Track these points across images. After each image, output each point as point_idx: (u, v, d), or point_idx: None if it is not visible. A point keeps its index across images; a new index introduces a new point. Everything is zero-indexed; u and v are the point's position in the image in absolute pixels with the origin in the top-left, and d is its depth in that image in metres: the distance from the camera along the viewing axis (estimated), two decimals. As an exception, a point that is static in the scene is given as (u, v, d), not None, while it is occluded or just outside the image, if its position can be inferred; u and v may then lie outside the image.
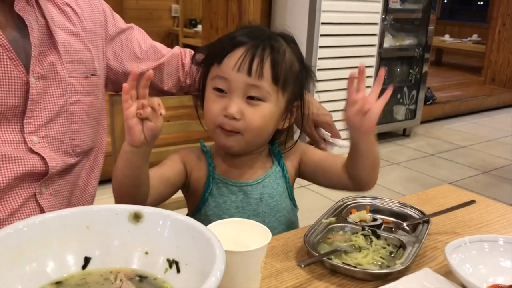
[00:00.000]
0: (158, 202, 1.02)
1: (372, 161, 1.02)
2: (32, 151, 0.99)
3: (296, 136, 1.21)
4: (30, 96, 0.98)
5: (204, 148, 1.10)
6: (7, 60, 0.94)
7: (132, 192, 0.93)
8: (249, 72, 0.96)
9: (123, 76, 1.18)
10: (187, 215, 1.14)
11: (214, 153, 1.10)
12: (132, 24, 1.22)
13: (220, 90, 0.99)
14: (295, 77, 1.03)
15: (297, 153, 1.15)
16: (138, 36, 1.21)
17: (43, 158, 1.00)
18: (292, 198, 1.14)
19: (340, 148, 1.20)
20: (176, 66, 1.24)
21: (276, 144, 1.13)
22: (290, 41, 1.05)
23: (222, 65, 0.99)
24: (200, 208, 1.07)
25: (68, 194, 1.09)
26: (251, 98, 0.98)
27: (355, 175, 1.05)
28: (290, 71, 1.02)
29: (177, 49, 1.26)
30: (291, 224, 1.14)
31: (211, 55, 1.03)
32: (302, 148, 1.16)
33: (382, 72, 0.97)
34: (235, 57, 0.97)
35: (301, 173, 1.16)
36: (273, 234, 1.02)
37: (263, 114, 0.99)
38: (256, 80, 0.97)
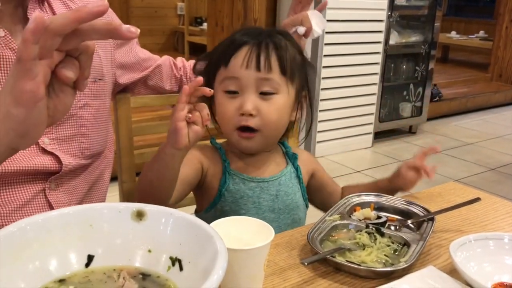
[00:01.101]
0: (177, 202, 1.04)
1: None
2: (44, 151, 1.00)
3: (302, 135, 1.23)
4: None
5: (216, 145, 1.11)
6: None
7: (159, 193, 0.94)
8: (257, 67, 0.99)
9: (128, 83, 1.23)
10: (196, 211, 1.15)
11: (227, 149, 1.11)
12: None
13: (232, 92, 1.01)
14: (299, 68, 1.07)
15: (311, 164, 1.20)
16: (138, 45, 1.27)
17: (56, 157, 1.01)
18: (305, 199, 1.17)
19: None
20: (169, 65, 1.29)
21: (289, 148, 1.17)
22: (287, 35, 1.09)
23: (229, 66, 1.01)
24: (215, 203, 1.08)
25: (80, 193, 1.10)
26: (264, 93, 1.00)
27: None
28: (294, 62, 1.05)
29: (165, 56, 1.33)
30: (301, 222, 1.16)
31: (214, 60, 1.05)
32: (316, 163, 1.22)
33: (438, 148, 1.18)
34: (241, 55, 1.00)
35: (307, 184, 1.20)
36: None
37: (277, 106, 1.01)
38: (266, 74, 0.99)
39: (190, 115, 0.85)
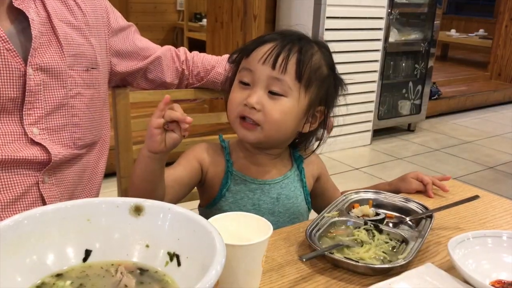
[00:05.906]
0: (176, 202, 1.03)
1: None
2: (33, 142, 1.00)
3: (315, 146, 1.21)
4: (28, 88, 0.98)
5: (223, 144, 1.11)
6: (5, 51, 0.95)
7: (148, 196, 0.93)
8: (273, 66, 0.99)
9: (125, 72, 1.21)
10: (199, 206, 1.15)
11: (233, 148, 1.11)
12: (131, 23, 1.25)
13: (244, 84, 1.02)
14: (321, 81, 1.04)
15: (317, 167, 1.19)
16: (136, 34, 1.24)
17: (45, 148, 1.01)
18: (308, 202, 1.15)
19: None
20: (171, 57, 1.27)
21: (297, 148, 1.16)
22: (322, 46, 1.07)
23: (249, 57, 1.02)
24: (215, 202, 1.08)
25: (73, 185, 1.09)
26: (272, 93, 1.00)
27: None
28: (316, 73, 1.03)
29: (167, 46, 1.30)
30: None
31: (242, 51, 1.07)
32: (323, 167, 1.21)
33: (447, 189, 1.20)
34: (263, 51, 1.01)
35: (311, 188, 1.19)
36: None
37: (282, 108, 1.00)
38: (279, 74, 0.99)
39: (168, 124, 0.88)
